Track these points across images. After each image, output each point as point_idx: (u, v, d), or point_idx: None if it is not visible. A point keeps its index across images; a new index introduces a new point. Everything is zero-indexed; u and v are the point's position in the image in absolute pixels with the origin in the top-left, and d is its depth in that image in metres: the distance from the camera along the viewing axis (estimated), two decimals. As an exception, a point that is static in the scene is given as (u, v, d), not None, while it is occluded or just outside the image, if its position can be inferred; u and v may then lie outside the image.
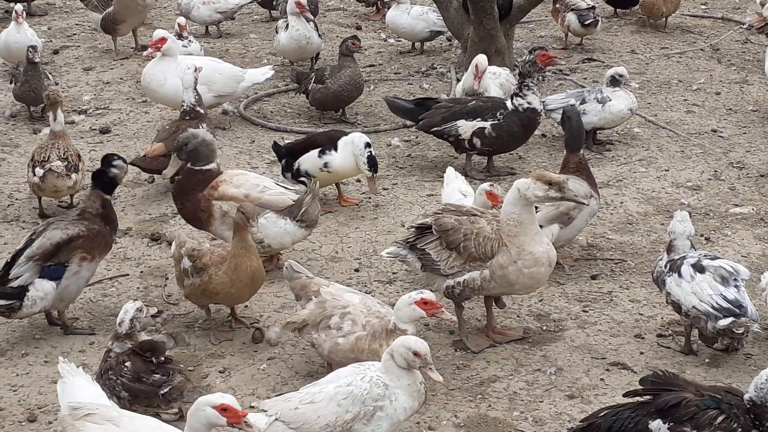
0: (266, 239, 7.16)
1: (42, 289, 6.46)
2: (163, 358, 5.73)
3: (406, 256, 6.62)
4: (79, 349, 6.55)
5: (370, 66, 12.04)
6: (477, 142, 8.92)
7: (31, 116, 10.38)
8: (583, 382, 6.24)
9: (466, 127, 8.92)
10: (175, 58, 9.80)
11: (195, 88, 8.75)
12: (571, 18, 12.18)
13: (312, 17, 11.36)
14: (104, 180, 6.81)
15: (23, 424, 5.85)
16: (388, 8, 12.83)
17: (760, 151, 9.65)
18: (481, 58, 9.59)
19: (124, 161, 6.99)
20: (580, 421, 5.39)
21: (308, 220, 7.21)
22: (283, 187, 7.44)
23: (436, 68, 11.90)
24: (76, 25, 13.63)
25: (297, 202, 7.21)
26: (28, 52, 10.06)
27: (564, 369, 6.36)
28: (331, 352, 5.96)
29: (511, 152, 9.41)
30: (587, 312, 7.01)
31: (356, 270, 7.53)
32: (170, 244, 7.77)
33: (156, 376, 5.67)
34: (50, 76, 10.45)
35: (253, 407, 5.23)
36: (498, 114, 8.88)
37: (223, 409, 4.59)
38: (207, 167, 7.27)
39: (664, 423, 5.04)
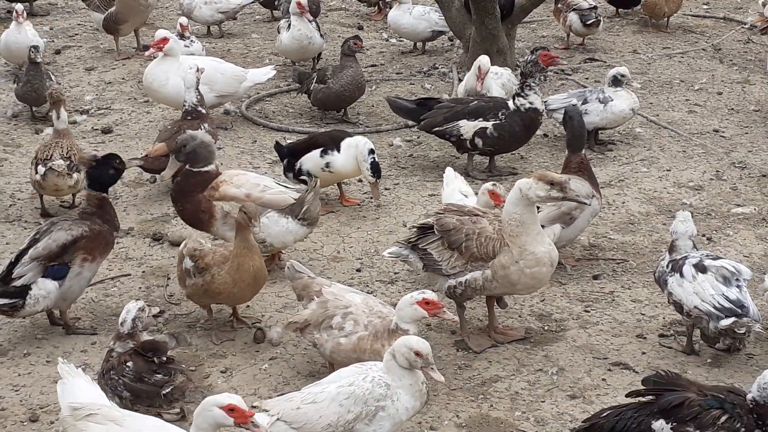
0: (268, 238, 7.16)
1: (45, 288, 6.47)
2: (164, 358, 5.73)
3: (407, 256, 6.62)
4: (81, 349, 6.56)
5: (372, 66, 12.04)
6: (479, 142, 8.92)
7: (33, 116, 10.38)
8: (585, 382, 6.23)
9: (467, 127, 8.92)
10: (177, 58, 9.80)
11: (197, 88, 8.75)
12: (573, 18, 12.17)
13: (312, 17, 11.36)
14: (97, 180, 6.80)
15: (25, 424, 5.85)
16: (390, 8, 12.83)
17: (761, 151, 9.64)
18: (484, 60, 9.58)
19: (122, 161, 6.99)
20: (582, 422, 5.40)
21: (310, 218, 7.22)
22: (283, 186, 7.45)
23: (437, 68, 11.90)
24: (78, 25, 13.63)
25: (298, 200, 7.21)
26: (30, 52, 10.06)
27: (566, 369, 6.36)
28: (333, 352, 5.97)
29: (513, 152, 9.41)
30: (589, 312, 7.01)
31: (358, 270, 7.53)
32: (174, 244, 7.79)
33: (158, 376, 5.67)
34: (53, 77, 10.44)
35: (255, 407, 5.22)
36: (500, 114, 8.87)
37: (231, 410, 4.60)
38: (206, 169, 7.26)
39: (667, 423, 5.04)
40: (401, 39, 12.85)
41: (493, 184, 7.12)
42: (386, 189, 8.81)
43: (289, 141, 9.17)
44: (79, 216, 6.74)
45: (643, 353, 6.52)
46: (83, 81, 11.49)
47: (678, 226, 6.47)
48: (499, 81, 9.82)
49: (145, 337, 5.99)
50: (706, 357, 6.45)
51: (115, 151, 8.63)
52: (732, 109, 10.70)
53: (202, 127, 8.47)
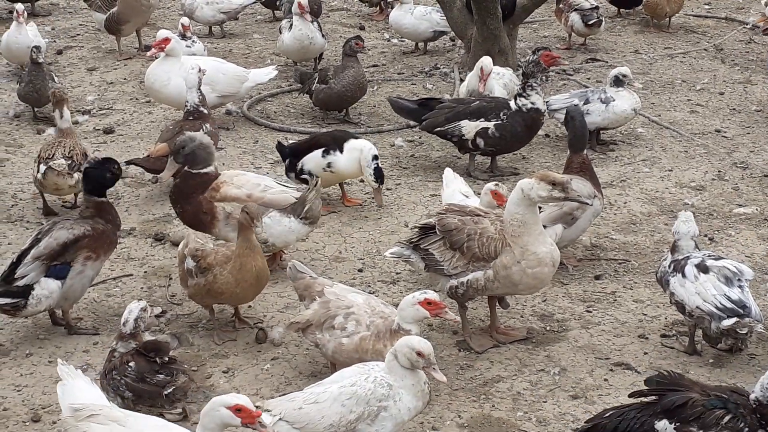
0: (271, 238, 7.16)
1: (47, 288, 6.47)
2: (167, 359, 5.73)
3: (409, 257, 6.62)
4: (83, 349, 6.56)
5: (374, 66, 12.04)
6: (480, 142, 8.92)
7: (35, 116, 10.38)
8: (587, 382, 6.23)
9: (469, 128, 8.92)
10: (179, 59, 9.80)
11: (199, 89, 8.75)
12: (575, 18, 12.17)
13: (312, 18, 11.34)
14: (93, 184, 6.78)
15: (27, 424, 5.85)
16: (392, 8, 12.83)
17: (763, 151, 9.64)
18: (486, 61, 9.58)
19: (119, 166, 6.98)
20: (585, 422, 5.39)
21: (312, 216, 7.22)
22: (284, 185, 7.45)
23: (439, 68, 11.90)
24: (80, 25, 13.63)
25: (300, 199, 7.21)
26: (31, 53, 10.05)
27: (568, 369, 6.35)
28: (335, 353, 5.96)
29: (515, 152, 9.41)
30: (591, 312, 7.00)
31: (360, 270, 7.53)
32: (175, 244, 7.79)
33: (160, 376, 5.67)
34: (55, 78, 10.43)
35: (257, 407, 5.22)
36: (501, 114, 8.87)
37: (238, 410, 4.60)
38: (205, 170, 7.25)
39: (671, 423, 5.04)
40: (403, 39, 12.84)
41: (496, 184, 7.12)
42: (388, 189, 8.80)
43: (290, 141, 9.18)
44: (82, 215, 6.75)
45: (645, 353, 6.52)
46: (85, 81, 11.49)
47: (680, 227, 6.47)
48: (500, 81, 9.82)
49: (148, 337, 6.00)
50: (708, 357, 6.45)
51: (116, 151, 8.66)
52: (734, 109, 10.70)
53: (204, 127, 8.47)
